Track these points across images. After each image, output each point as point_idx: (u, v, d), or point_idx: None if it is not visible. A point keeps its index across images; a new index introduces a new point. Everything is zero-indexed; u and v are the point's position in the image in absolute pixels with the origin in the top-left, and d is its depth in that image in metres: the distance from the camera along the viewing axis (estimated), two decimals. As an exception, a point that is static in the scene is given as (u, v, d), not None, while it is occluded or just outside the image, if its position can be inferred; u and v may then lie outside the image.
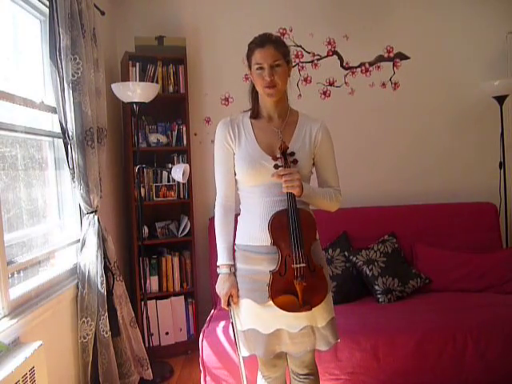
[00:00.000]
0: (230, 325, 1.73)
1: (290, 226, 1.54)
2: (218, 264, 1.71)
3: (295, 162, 1.59)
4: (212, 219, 3.11)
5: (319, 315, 1.64)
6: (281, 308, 1.57)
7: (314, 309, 1.60)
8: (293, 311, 1.57)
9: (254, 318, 1.66)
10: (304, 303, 1.56)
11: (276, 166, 1.56)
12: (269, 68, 1.58)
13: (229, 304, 1.70)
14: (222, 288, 1.68)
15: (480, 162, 3.51)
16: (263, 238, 1.61)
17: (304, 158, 1.63)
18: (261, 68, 1.59)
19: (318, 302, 1.59)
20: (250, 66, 1.66)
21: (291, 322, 1.63)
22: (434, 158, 3.50)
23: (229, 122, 1.71)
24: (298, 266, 1.54)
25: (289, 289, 1.55)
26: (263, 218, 1.60)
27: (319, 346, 1.67)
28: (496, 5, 3.44)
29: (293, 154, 1.59)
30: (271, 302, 1.60)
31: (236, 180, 1.72)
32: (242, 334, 1.70)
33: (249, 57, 1.65)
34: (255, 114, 1.71)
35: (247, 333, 1.68)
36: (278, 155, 1.57)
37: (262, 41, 1.61)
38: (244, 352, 1.71)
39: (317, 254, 1.67)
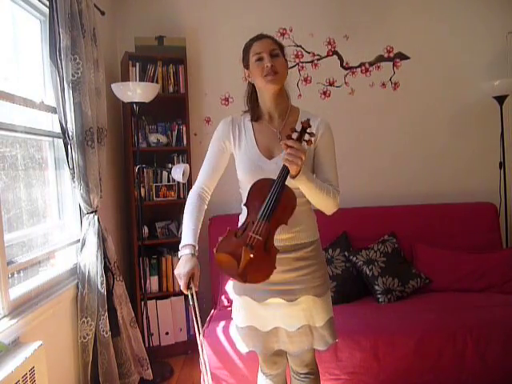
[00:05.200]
0: (192, 308, 1.55)
1: (268, 195, 1.47)
2: (180, 246, 1.58)
3: (309, 143, 1.48)
4: (212, 219, 3.15)
5: (317, 315, 1.64)
6: (219, 265, 1.50)
7: (312, 309, 1.61)
8: (227, 273, 1.51)
9: (252, 316, 1.67)
10: (242, 273, 1.45)
11: (288, 136, 1.44)
12: (268, 55, 1.58)
13: (189, 287, 1.53)
14: (183, 267, 1.52)
15: (480, 162, 3.50)
16: None
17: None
18: (260, 59, 1.59)
19: (255, 280, 1.48)
20: (247, 66, 1.64)
21: (289, 321, 1.63)
22: (434, 158, 3.50)
23: (230, 122, 1.70)
24: (254, 235, 1.44)
25: (236, 252, 1.45)
26: None
27: (317, 346, 1.67)
28: (496, 5, 3.44)
29: (312, 134, 1.50)
30: (269, 301, 1.61)
31: (238, 179, 1.71)
32: (241, 330, 1.72)
33: (246, 53, 1.64)
34: (255, 116, 1.69)
35: (246, 330, 1.69)
36: (298, 129, 1.46)
37: (258, 36, 1.65)
38: (243, 348, 1.72)
39: (316, 257, 1.67)
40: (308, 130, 1.48)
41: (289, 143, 1.42)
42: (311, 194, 1.54)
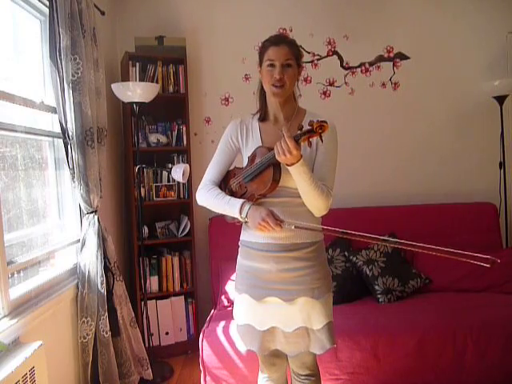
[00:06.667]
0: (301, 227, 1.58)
1: (255, 164, 1.59)
2: (237, 209, 1.58)
3: (310, 144, 1.48)
4: (212, 219, 3.14)
5: (315, 318, 1.64)
6: None
7: (310, 311, 1.62)
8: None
9: (250, 314, 1.68)
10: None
11: (300, 127, 1.48)
12: (280, 66, 1.59)
13: (279, 220, 1.54)
14: (260, 212, 1.53)
15: (480, 162, 3.50)
16: (265, 236, 1.62)
17: (305, 159, 1.59)
18: (272, 65, 1.60)
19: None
20: (260, 63, 1.66)
21: (285, 321, 1.63)
22: (434, 158, 3.50)
23: (239, 123, 1.75)
24: (235, 186, 1.70)
25: (226, 183, 1.77)
26: None
27: (313, 349, 1.66)
28: (496, 4, 3.44)
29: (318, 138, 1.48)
30: (267, 299, 1.63)
31: None
32: (239, 328, 1.73)
33: (261, 53, 1.66)
34: (263, 115, 1.72)
35: (244, 328, 1.71)
36: (304, 128, 1.47)
37: (278, 39, 1.63)
38: (241, 347, 1.73)
39: (317, 258, 1.67)
40: (313, 138, 1.48)
41: (286, 135, 1.43)
42: (304, 189, 1.54)
